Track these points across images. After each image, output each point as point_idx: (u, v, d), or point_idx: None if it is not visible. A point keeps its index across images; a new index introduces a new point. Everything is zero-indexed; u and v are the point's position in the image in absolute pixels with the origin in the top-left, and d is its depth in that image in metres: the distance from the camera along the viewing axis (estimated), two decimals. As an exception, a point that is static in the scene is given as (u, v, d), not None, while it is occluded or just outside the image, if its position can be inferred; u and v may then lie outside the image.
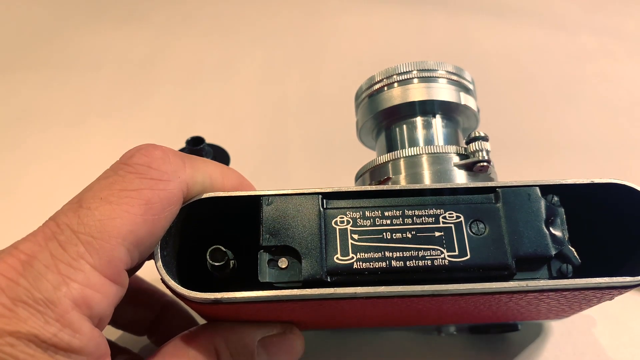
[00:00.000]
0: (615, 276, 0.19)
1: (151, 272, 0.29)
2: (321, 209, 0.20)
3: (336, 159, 0.43)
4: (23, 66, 0.55)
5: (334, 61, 0.55)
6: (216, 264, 0.20)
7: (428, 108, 0.27)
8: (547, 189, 0.21)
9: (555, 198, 0.21)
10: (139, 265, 0.21)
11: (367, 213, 0.20)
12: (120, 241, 0.18)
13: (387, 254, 0.19)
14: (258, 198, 0.21)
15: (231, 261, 0.21)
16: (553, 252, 0.20)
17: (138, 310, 0.28)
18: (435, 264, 0.19)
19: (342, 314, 0.23)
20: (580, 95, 0.49)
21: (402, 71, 0.27)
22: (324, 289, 0.19)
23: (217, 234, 0.22)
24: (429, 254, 0.19)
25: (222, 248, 0.21)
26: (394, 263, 0.19)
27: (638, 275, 0.19)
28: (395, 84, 0.27)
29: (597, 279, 0.19)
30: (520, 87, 0.50)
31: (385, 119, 0.28)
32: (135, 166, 0.19)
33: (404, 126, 0.27)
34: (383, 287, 0.19)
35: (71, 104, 0.50)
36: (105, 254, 0.17)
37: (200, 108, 0.49)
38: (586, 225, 0.21)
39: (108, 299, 0.18)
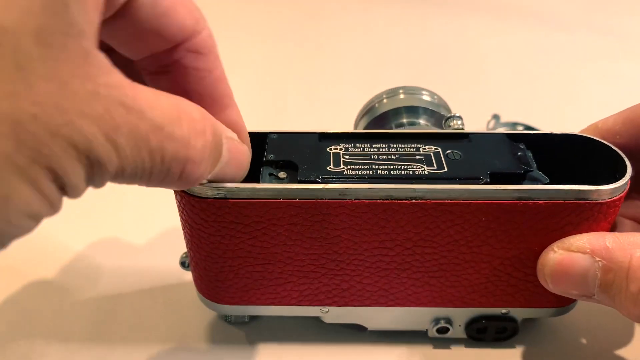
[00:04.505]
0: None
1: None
2: (318, 141, 0.25)
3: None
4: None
5: (334, 61, 0.55)
6: None
7: (413, 113, 0.32)
8: (513, 138, 0.25)
9: (522, 145, 0.25)
10: None
11: (357, 144, 0.25)
12: None
13: (374, 166, 0.23)
14: (265, 135, 0.25)
15: None
16: (523, 170, 0.23)
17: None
18: (417, 173, 0.23)
19: (334, 250, 0.24)
20: (581, 95, 0.49)
21: (390, 90, 0.33)
22: (316, 184, 0.22)
23: None
24: (410, 168, 0.23)
25: None
26: (380, 172, 0.23)
27: (602, 185, 0.21)
28: (385, 100, 0.33)
29: (566, 185, 0.21)
30: (520, 87, 0.51)
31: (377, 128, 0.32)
32: None
33: (392, 125, 0.32)
34: (369, 184, 0.22)
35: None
36: None
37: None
38: (550, 174, 0.24)
39: None
